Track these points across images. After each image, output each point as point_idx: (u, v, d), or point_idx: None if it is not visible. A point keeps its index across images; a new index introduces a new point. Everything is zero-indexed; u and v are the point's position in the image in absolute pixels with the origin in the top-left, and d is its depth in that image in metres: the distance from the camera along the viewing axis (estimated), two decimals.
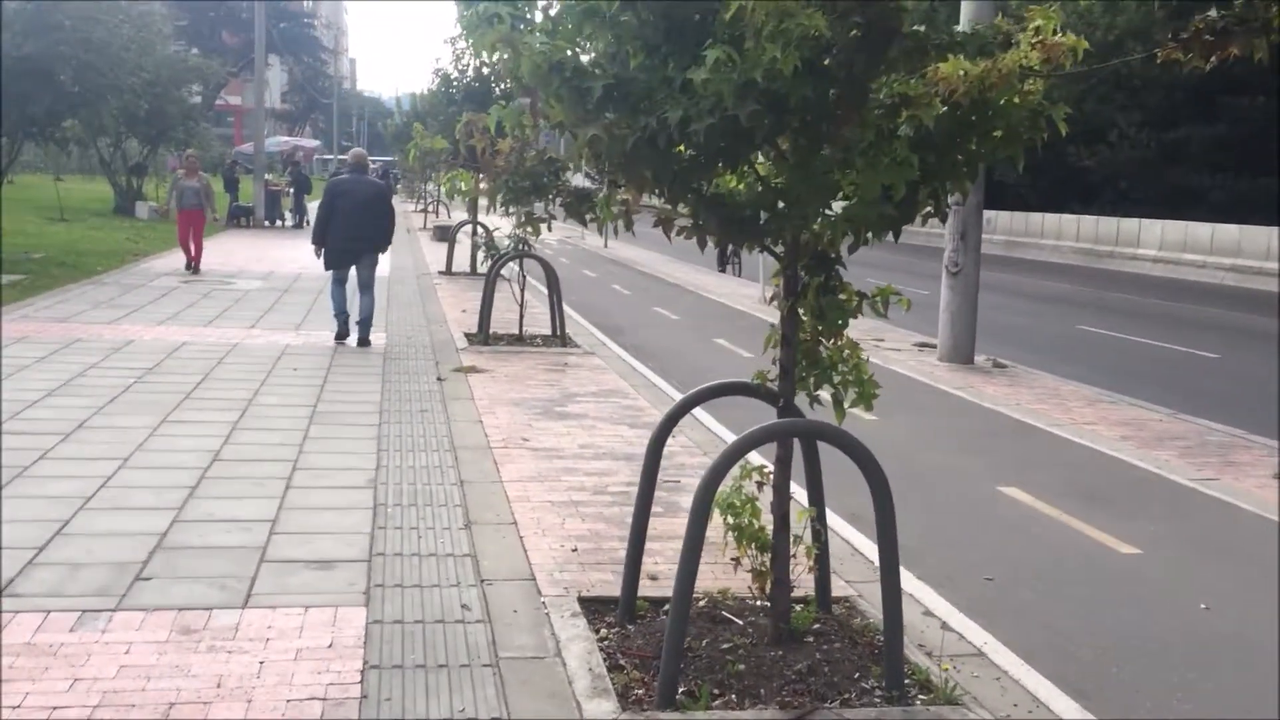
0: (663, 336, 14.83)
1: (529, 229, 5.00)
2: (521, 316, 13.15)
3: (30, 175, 43.80)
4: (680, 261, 27.04)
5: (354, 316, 12.31)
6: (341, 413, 8.84)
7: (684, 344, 14.20)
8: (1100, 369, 13.29)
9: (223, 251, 23.85)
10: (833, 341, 4.53)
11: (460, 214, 33.21)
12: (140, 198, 33.73)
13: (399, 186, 60.82)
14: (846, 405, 4.57)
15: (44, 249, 20.90)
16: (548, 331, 13.44)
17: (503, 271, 13.66)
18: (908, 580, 5.73)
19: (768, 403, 4.75)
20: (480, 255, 14.30)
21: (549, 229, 5.25)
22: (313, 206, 28.82)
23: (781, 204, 3.92)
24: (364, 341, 12.21)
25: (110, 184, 34.44)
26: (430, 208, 41.97)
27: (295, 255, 23.04)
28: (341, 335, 12.32)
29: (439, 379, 10.52)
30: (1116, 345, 15.89)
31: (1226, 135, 28.07)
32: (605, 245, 30.94)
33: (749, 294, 20.20)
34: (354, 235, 12.11)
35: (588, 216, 4.69)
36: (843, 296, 4.46)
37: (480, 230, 21.93)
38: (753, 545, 4.57)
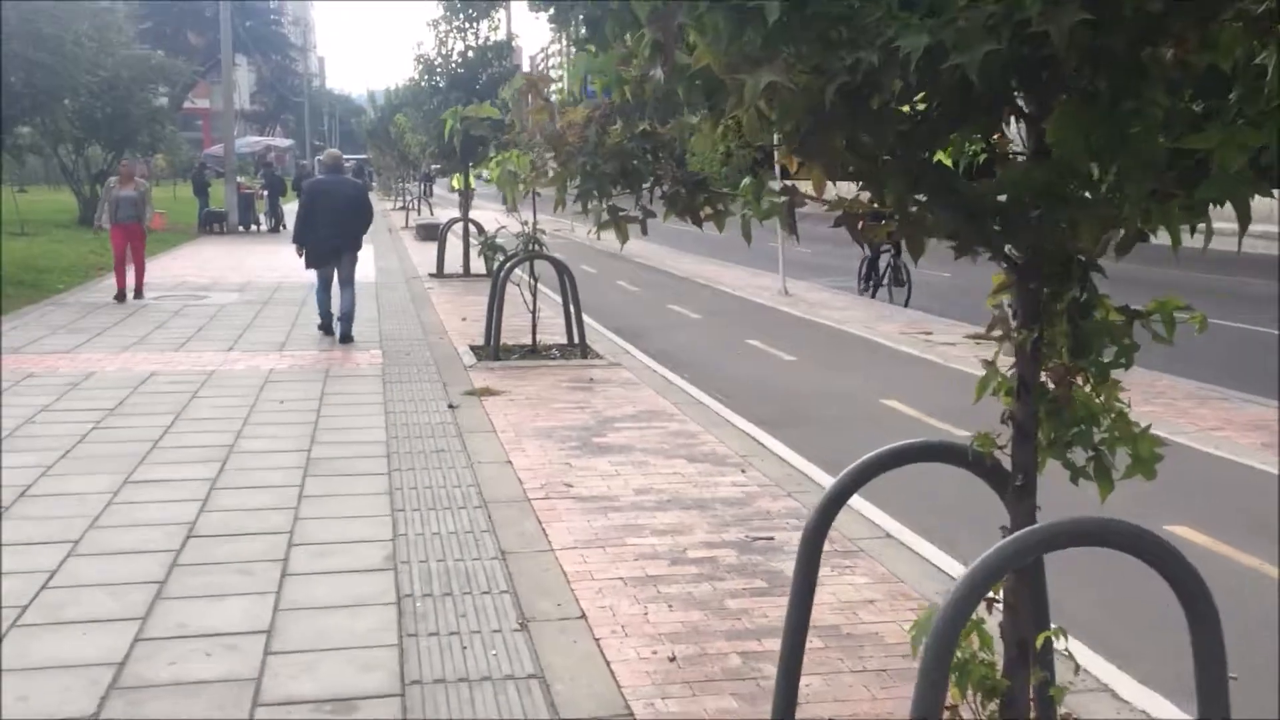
0: (689, 339, 13.37)
1: (615, 234, 3.52)
2: (535, 326, 11.66)
3: None
4: (681, 252, 25.56)
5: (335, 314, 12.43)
6: (342, 459, 7.35)
7: (715, 348, 12.74)
8: (1170, 355, 11.88)
9: (195, 262, 22.27)
10: (1086, 383, 3.09)
11: (452, 211, 31.90)
12: None
13: (374, 184, 59.19)
14: (1119, 475, 3.11)
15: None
16: (562, 339, 11.97)
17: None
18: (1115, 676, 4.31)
19: (984, 478, 3.29)
20: (478, 255, 12.73)
21: (625, 235, 3.74)
22: (288, 209, 27.21)
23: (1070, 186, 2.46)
24: (346, 338, 12.30)
25: (74, 193, 32.65)
26: (411, 205, 40.23)
27: (273, 262, 21.49)
28: (326, 329, 12.60)
29: (450, 406, 9.04)
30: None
31: None
32: (598, 238, 29.38)
33: (763, 285, 18.75)
34: (335, 235, 12.22)
35: (706, 211, 3.25)
36: (1099, 314, 3.03)
37: (474, 228, 20.45)
38: (978, 690, 3.12)
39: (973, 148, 2.74)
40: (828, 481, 7.10)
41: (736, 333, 13.71)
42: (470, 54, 19.20)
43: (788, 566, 5.30)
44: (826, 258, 23.04)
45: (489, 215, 23.39)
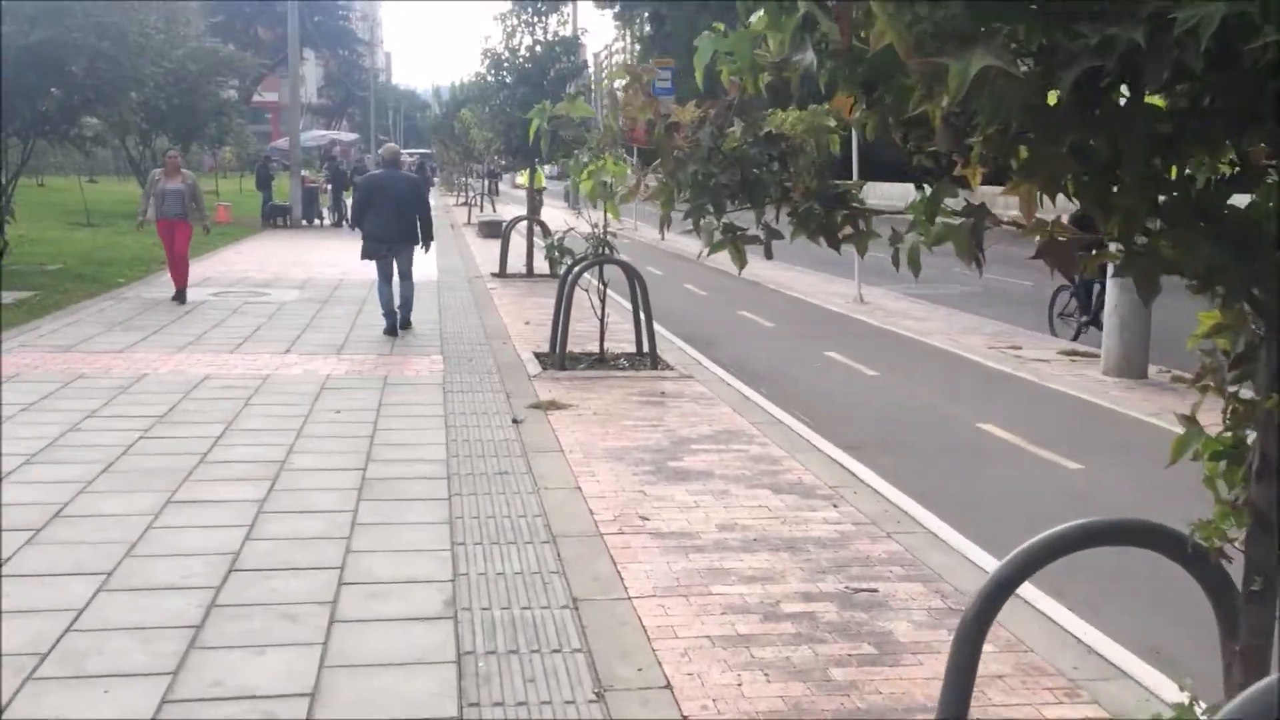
0: (763, 350, 12.72)
1: (731, 257, 2.91)
2: (603, 333, 11.09)
3: (61, 178, 42.34)
4: (751, 255, 24.88)
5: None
6: (399, 480, 6.82)
7: (791, 359, 12.09)
8: None
9: (257, 257, 21.99)
10: None
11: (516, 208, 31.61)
12: None
13: (436, 179, 59.08)
14: None
15: (63, 258, 19.11)
16: (630, 347, 11.39)
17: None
18: None
19: (1199, 578, 2.63)
20: (544, 258, 12.17)
21: (743, 259, 3.10)
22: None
23: None
24: (405, 324, 12.73)
25: (140, 184, 32.66)
26: (475, 201, 39.85)
27: (335, 258, 21.15)
28: (391, 331, 12.48)
29: (514, 420, 8.49)
30: None
31: None
32: (662, 238, 28.75)
33: (836, 292, 18.05)
34: (390, 229, 12.37)
35: (845, 231, 2.64)
36: None
37: (539, 228, 19.98)
38: None
39: (1223, 161, 2.09)
40: (929, 520, 6.45)
41: (813, 343, 13.04)
42: (538, 49, 18.69)
43: (898, 627, 4.67)
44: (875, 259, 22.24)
45: (553, 214, 22.87)
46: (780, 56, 2.22)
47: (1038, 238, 2.19)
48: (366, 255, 12.50)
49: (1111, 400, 9.86)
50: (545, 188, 19.97)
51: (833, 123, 2.75)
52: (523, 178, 20.25)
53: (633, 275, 10.91)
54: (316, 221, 31.91)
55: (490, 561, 5.44)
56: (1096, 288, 12.92)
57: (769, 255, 2.94)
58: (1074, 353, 12.28)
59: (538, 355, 11.31)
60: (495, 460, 7.35)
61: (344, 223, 31.02)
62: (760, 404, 9.44)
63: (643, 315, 10.93)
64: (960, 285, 19.80)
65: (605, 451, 7.65)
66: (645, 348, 11.10)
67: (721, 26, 2.42)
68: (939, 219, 2.27)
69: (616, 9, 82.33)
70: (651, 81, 2.93)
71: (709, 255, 3.06)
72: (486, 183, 40.80)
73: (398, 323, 12.50)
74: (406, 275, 12.67)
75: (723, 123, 2.76)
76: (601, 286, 10.94)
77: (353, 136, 49.80)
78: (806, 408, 9.38)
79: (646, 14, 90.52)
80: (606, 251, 10.70)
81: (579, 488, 6.77)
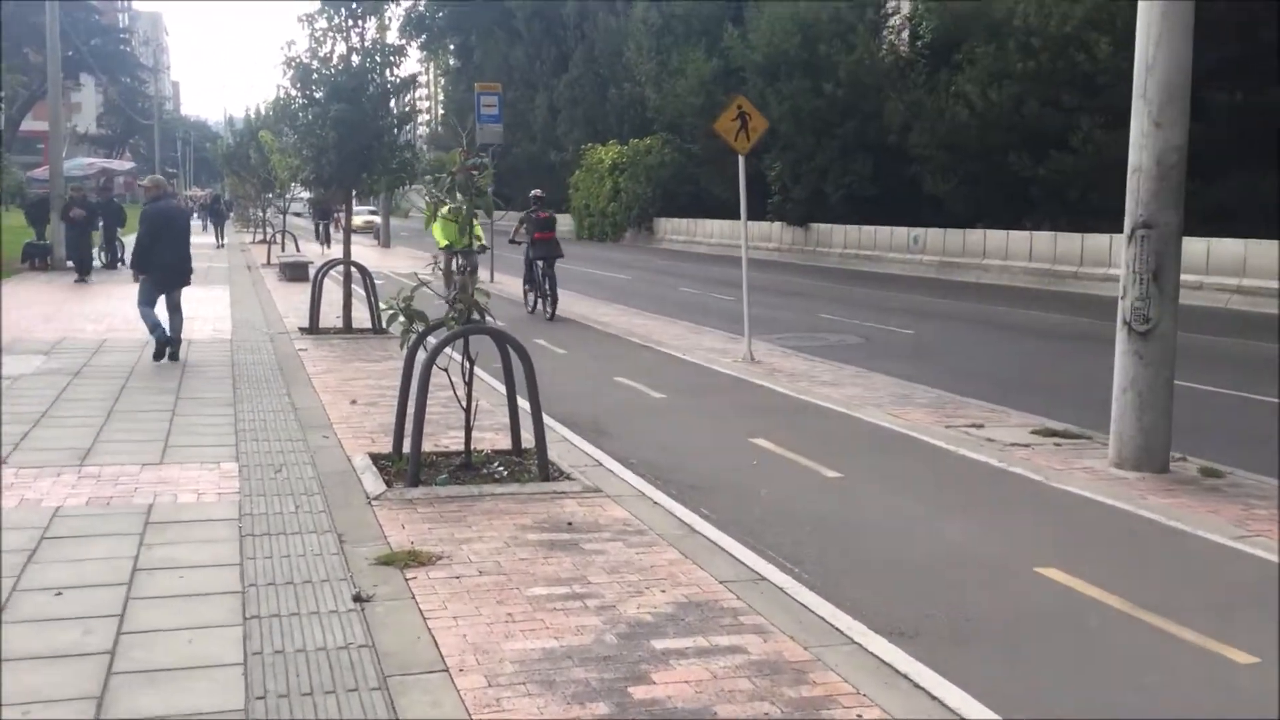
0: (669, 436, 9.81)
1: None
2: (469, 432, 7.95)
3: None
4: (587, 296, 22.09)
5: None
6: None
7: (715, 453, 9.20)
8: None
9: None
10: None
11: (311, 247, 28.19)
12: None
13: (232, 214, 54.13)
14: None
15: None
16: (493, 434, 8.33)
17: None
18: None
19: None
20: (384, 324, 8.87)
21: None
22: (129, 240, 22.75)
23: None
24: (173, 356, 12.59)
25: None
26: (273, 238, 35.47)
27: (104, 308, 17.26)
28: (160, 355, 12.48)
29: (358, 599, 5.32)
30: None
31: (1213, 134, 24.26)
32: (491, 280, 25.54)
33: (716, 347, 15.37)
34: (182, 260, 12.77)
35: None
36: None
37: (356, 273, 16.61)
38: None
39: None
40: None
41: (727, 425, 10.22)
42: (354, 58, 15.39)
43: None
44: (738, 304, 19.91)
45: (366, 254, 19.55)
46: None
47: None
48: (157, 290, 12.50)
49: (1159, 512, 7.36)
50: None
51: None
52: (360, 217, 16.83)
53: (513, 350, 7.84)
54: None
55: None
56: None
57: None
58: (1049, 431, 9.87)
59: (375, 459, 8.10)
60: (335, 700, 4.19)
61: (119, 264, 26.70)
62: (714, 540, 6.52)
63: (527, 404, 7.88)
64: (832, 334, 17.58)
65: (519, 669, 4.58)
66: (526, 442, 8.06)
67: None
68: None
69: (423, 38, 78.33)
70: None
71: None
72: (320, 225, 36.59)
73: (168, 352, 12.49)
74: (178, 307, 12.81)
75: None
76: (467, 364, 7.83)
77: (128, 165, 44.49)
78: (784, 545, 6.53)
79: (453, 46, 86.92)
80: (477, 317, 7.61)
81: None
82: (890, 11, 37.81)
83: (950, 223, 32.37)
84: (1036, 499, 7.79)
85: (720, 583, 5.72)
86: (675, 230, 48.99)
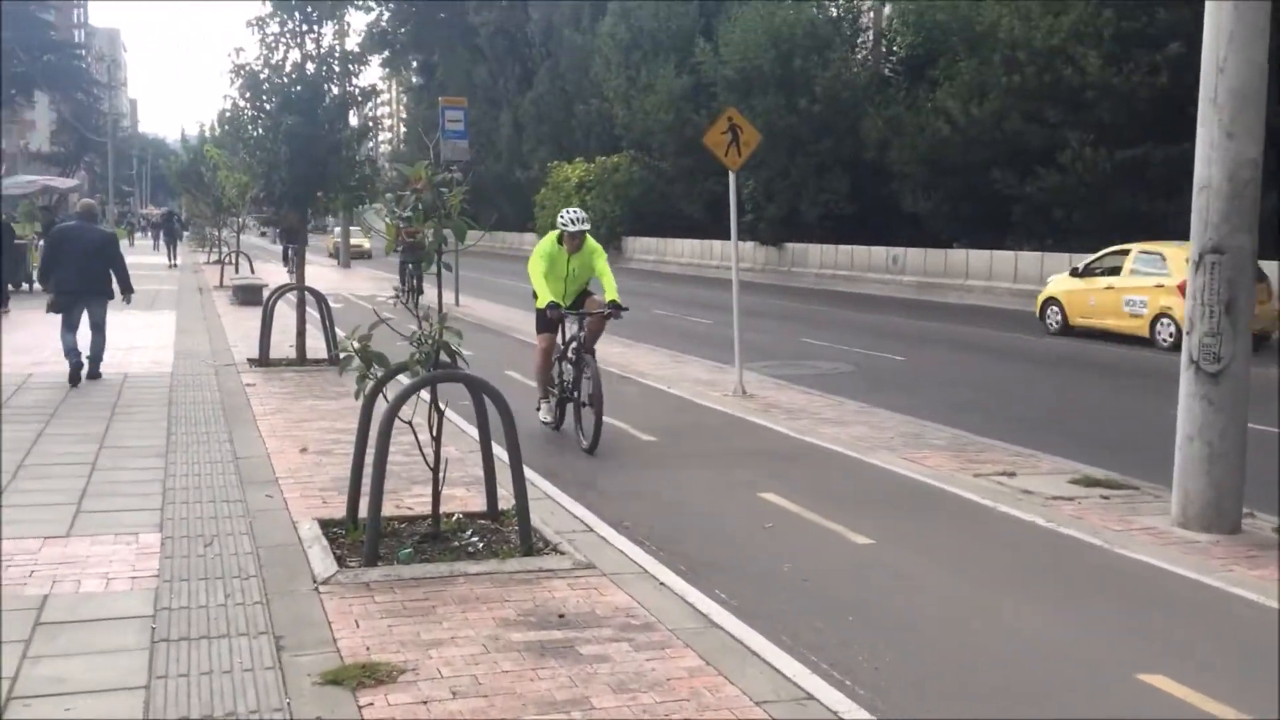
0: (667, 490, 8.62)
1: None
2: (437, 496, 6.71)
3: None
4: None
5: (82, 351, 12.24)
6: None
7: (720, 512, 8.02)
8: None
9: None
10: None
11: (273, 267, 26.80)
12: None
13: (187, 234, 52.51)
14: None
15: None
16: (468, 497, 7.13)
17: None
18: None
19: None
20: (339, 366, 7.56)
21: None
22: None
23: None
24: (94, 375, 12.50)
25: None
26: (227, 259, 33.92)
27: (33, 340, 15.83)
28: (74, 380, 12.14)
29: None
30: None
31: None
32: (457, 304, 24.18)
33: (702, 379, 14.22)
34: (82, 280, 12.39)
35: None
36: None
37: (311, 297, 15.33)
38: None
39: None
40: None
41: (727, 474, 9.05)
42: (309, 66, 14.17)
43: None
44: (721, 328, 18.80)
45: (321, 275, 18.34)
46: None
47: None
48: (54, 308, 12.43)
49: (1254, 589, 6.25)
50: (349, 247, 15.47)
51: None
52: (330, 241, 15.57)
53: (488, 398, 6.62)
54: (25, 286, 25.78)
55: None
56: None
57: None
58: (1090, 481, 8.78)
59: (326, 526, 6.84)
60: None
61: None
62: (740, 638, 5.30)
63: (507, 459, 6.66)
64: (822, 362, 16.51)
65: None
66: (503, 501, 6.85)
67: None
68: None
69: (385, 54, 76.94)
70: None
71: None
72: (286, 249, 35.06)
73: (84, 372, 12.28)
74: (99, 326, 12.66)
75: None
76: (436, 416, 6.60)
77: (72, 182, 42.73)
78: (827, 646, 5.34)
79: (415, 63, 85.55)
80: (449, 362, 6.38)
81: None
82: (864, 26, 37.05)
83: (929, 242, 31.51)
84: (1107, 573, 6.65)
85: (757, 704, 4.53)
86: (644, 249, 47.94)
